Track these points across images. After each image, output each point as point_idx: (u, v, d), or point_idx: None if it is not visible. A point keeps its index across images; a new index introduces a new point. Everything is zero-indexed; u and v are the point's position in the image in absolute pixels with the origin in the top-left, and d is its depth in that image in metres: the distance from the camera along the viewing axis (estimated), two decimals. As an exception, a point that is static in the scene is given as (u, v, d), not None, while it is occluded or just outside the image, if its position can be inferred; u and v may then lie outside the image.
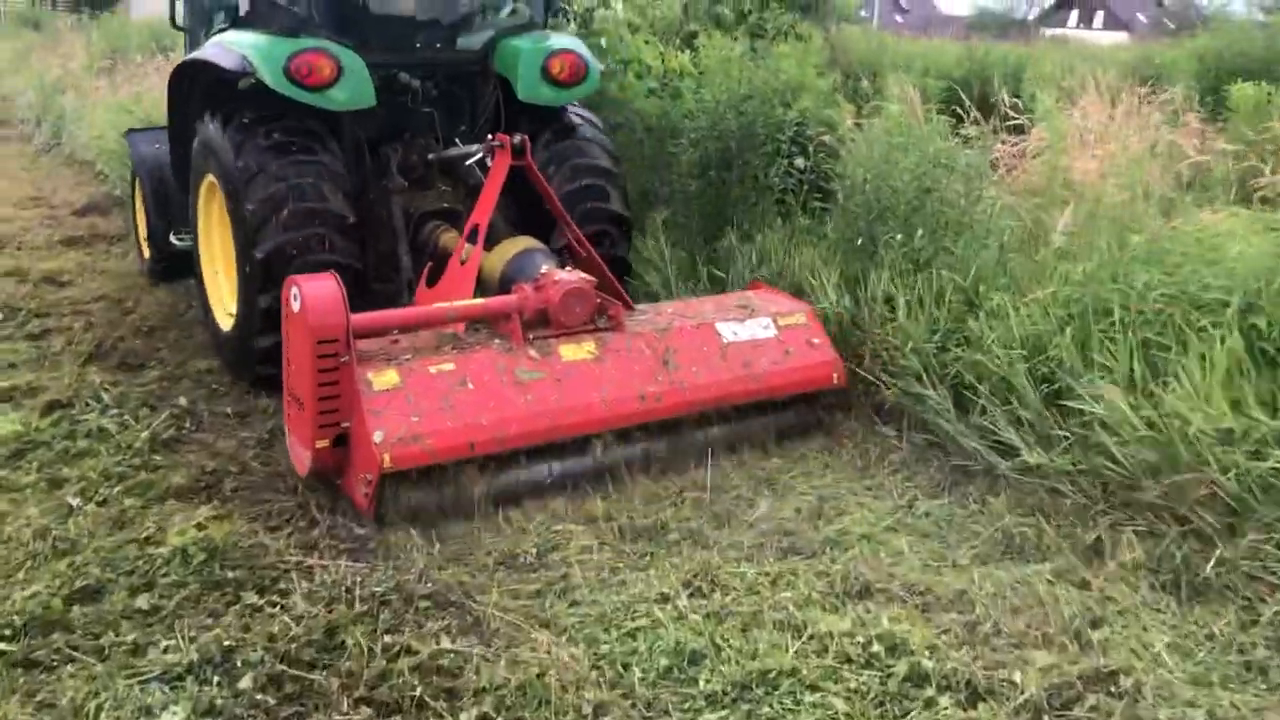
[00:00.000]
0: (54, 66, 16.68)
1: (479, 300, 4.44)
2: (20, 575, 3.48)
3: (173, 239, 6.53)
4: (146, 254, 6.98)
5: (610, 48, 7.32)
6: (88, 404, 4.91)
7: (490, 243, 4.76)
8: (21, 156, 13.07)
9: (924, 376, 4.68)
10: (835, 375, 4.75)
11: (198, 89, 5.52)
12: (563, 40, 5.52)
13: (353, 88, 4.87)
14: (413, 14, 5.66)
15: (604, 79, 6.83)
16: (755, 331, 4.69)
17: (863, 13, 30.27)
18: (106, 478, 4.19)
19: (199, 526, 3.80)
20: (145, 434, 4.58)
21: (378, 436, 3.71)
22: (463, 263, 4.62)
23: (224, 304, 5.39)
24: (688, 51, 8.14)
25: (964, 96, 6.66)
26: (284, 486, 4.18)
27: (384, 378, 3.88)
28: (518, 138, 4.67)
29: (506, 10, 5.87)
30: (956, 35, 24.35)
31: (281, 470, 4.30)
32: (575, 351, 4.28)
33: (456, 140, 5.46)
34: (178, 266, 6.61)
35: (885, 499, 4.21)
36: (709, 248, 6.29)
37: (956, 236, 5.20)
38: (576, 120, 5.59)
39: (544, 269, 4.48)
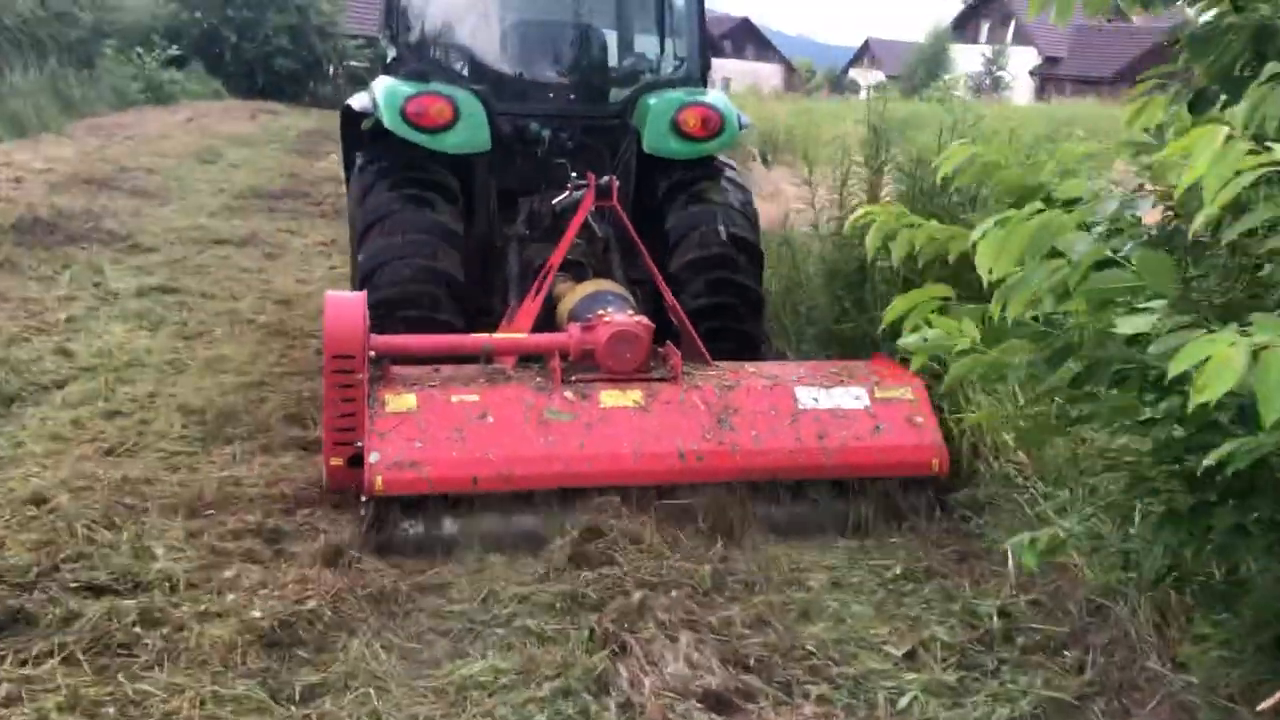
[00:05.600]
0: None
1: (518, 335, 4.39)
2: None
3: None
4: None
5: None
6: None
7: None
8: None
9: None
10: (936, 462, 4.15)
11: (349, 132, 5.66)
12: (703, 95, 5.36)
13: (468, 132, 4.87)
14: (546, 65, 5.67)
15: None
16: (841, 401, 4.22)
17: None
18: None
19: None
20: None
21: (373, 458, 3.64)
22: (534, 300, 4.59)
23: None
24: None
25: None
26: None
27: (400, 401, 3.82)
28: (604, 179, 4.64)
29: (662, 67, 5.75)
30: None
31: None
32: (617, 398, 4.06)
33: None
34: None
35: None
36: None
37: None
38: (720, 181, 5.30)
39: (601, 310, 4.32)
